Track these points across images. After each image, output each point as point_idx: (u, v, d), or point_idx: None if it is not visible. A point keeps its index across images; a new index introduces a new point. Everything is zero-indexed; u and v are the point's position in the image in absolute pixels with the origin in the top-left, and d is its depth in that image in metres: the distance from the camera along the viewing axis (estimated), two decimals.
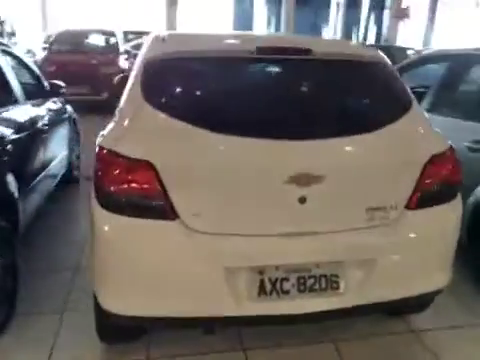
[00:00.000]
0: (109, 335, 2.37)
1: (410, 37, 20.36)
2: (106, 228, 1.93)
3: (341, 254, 2.03)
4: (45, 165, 3.67)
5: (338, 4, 21.49)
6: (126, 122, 2.01)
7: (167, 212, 1.89)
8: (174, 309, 1.94)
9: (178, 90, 2.14)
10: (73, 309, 2.71)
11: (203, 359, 2.35)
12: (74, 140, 4.95)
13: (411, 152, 2.11)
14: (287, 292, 1.98)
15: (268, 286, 1.97)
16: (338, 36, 21.04)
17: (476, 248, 3.01)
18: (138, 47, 4.83)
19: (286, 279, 1.98)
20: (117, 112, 2.21)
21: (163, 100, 2.03)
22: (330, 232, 2.02)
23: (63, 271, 3.13)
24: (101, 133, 2.13)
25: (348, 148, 2.02)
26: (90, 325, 2.32)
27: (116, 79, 3.90)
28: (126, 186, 1.89)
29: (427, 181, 2.10)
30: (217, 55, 2.16)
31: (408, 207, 2.10)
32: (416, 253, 2.12)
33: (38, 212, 3.44)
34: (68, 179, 4.71)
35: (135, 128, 1.97)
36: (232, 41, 2.50)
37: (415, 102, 2.27)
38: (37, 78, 4.25)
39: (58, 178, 4.22)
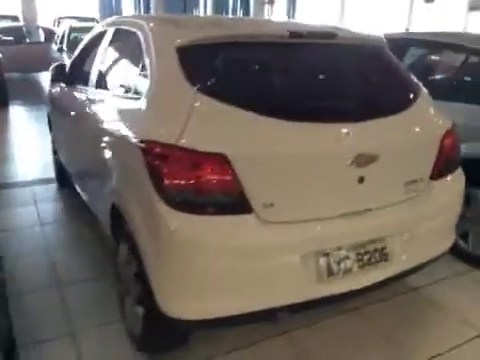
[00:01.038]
0: (155, 346, 2.20)
1: (277, 16, 21.68)
2: (180, 230, 1.78)
3: (388, 228, 2.17)
4: None
5: None
6: (179, 113, 1.85)
7: (243, 206, 1.82)
8: (254, 304, 1.89)
9: (230, 77, 2.02)
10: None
11: (255, 349, 2.34)
12: None
13: (432, 129, 2.32)
14: (350, 270, 2.06)
15: (335, 267, 2.02)
16: None
17: None
18: None
19: (347, 258, 2.06)
20: (145, 104, 2.02)
21: (217, 88, 1.90)
22: (379, 208, 2.14)
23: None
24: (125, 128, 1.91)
25: (391, 127, 2.15)
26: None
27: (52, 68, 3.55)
28: (199, 183, 1.76)
29: (443, 154, 2.33)
30: (253, 40, 2.09)
31: (432, 177, 2.32)
32: (440, 217, 2.37)
33: None
34: None
35: (197, 119, 1.82)
36: (253, 25, 2.44)
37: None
38: None
39: None
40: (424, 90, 2.44)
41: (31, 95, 10.24)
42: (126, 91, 2.39)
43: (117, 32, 2.80)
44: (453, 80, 3.74)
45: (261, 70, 2.10)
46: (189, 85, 1.89)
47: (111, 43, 2.81)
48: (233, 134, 1.81)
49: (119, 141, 2.20)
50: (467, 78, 3.67)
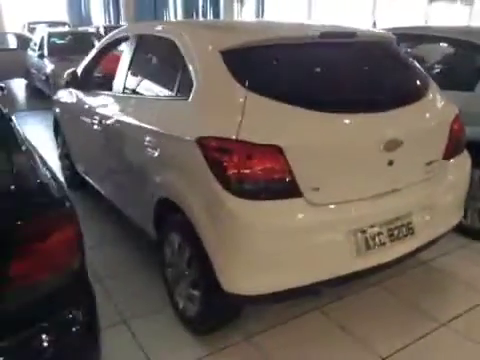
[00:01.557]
0: (209, 325, 2.40)
1: (246, 16, 21.97)
2: (242, 214, 2.00)
3: (413, 205, 2.44)
4: None
5: None
6: (233, 111, 2.06)
7: (295, 190, 2.05)
8: (305, 278, 2.13)
9: (274, 76, 2.23)
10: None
11: (292, 324, 2.57)
12: None
13: (443, 114, 2.61)
14: (384, 244, 2.31)
15: (371, 242, 2.27)
16: (179, 18, 21.25)
17: None
18: None
19: (381, 233, 2.31)
20: (194, 104, 2.22)
21: (264, 86, 2.12)
22: (404, 188, 2.40)
23: None
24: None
25: (412, 115, 2.42)
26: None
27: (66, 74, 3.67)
28: (258, 171, 1.98)
29: (453, 136, 2.62)
30: (290, 42, 2.33)
31: (444, 158, 2.60)
32: (454, 193, 2.67)
33: None
34: None
35: (251, 115, 2.03)
36: (287, 28, 2.67)
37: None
38: None
39: None
40: (432, 80, 2.73)
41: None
42: (167, 94, 2.58)
43: (143, 38, 2.97)
44: (442, 70, 4.07)
45: (299, 68, 2.33)
46: (239, 85, 2.10)
47: (138, 49, 2.97)
48: (284, 127, 2.04)
49: (167, 140, 2.38)
50: (456, 67, 4.01)
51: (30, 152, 1.79)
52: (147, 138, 2.54)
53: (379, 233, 2.31)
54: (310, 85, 2.26)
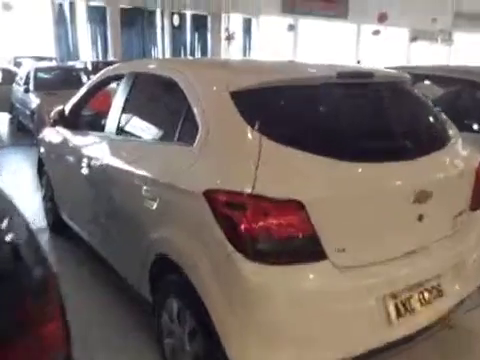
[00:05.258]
0: None
1: (234, 54, 22.36)
2: (257, 280, 1.71)
3: (442, 262, 2.18)
4: None
5: (163, 27, 21.80)
6: (246, 160, 1.80)
7: (319, 252, 1.77)
8: (331, 355, 1.82)
9: (291, 120, 1.98)
10: None
11: None
12: None
13: (468, 161, 2.39)
14: (413, 310, 2.03)
15: (402, 308, 1.99)
16: (167, 55, 21.37)
17: None
18: None
19: (411, 297, 2.04)
20: (200, 151, 1.96)
21: (281, 132, 1.88)
22: (433, 244, 2.15)
23: None
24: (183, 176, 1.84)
25: (440, 162, 2.20)
26: None
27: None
28: (276, 231, 1.71)
29: (478, 184, 2.40)
30: (306, 82, 2.10)
31: (471, 208, 2.37)
32: None
33: None
34: None
35: (266, 165, 1.77)
36: (300, 68, 2.45)
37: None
38: None
39: None
40: (452, 123, 2.53)
41: None
42: (167, 138, 2.32)
43: (140, 77, 2.73)
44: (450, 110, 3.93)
45: (318, 111, 2.10)
46: (252, 130, 1.85)
47: (134, 89, 2.72)
48: (305, 179, 1.78)
49: (167, 190, 2.10)
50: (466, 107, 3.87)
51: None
52: (144, 187, 2.25)
53: (410, 297, 2.03)
54: (331, 130, 2.01)
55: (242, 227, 1.70)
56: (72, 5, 19.16)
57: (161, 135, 2.42)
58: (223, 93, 1.99)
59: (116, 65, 3.21)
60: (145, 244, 2.28)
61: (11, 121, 11.48)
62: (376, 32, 22.20)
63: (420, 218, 2.02)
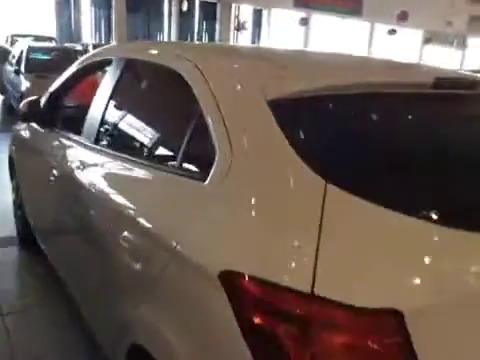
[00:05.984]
0: None
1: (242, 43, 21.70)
2: None
3: None
4: None
5: (170, 14, 20.98)
6: (299, 222, 1.04)
7: None
8: None
9: (373, 156, 1.21)
10: None
11: None
12: None
13: None
14: None
15: None
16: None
17: None
18: None
19: None
20: (219, 193, 1.19)
21: (359, 177, 1.11)
22: None
23: None
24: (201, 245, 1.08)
25: None
26: None
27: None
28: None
29: None
30: (390, 90, 1.32)
31: None
32: None
33: None
34: None
35: (337, 238, 1.01)
36: (379, 69, 1.66)
37: None
38: None
39: None
40: None
41: None
42: (163, 163, 1.54)
43: (133, 65, 1.94)
44: None
45: (416, 140, 1.31)
46: (308, 170, 1.08)
47: (122, 81, 1.93)
48: (404, 269, 1.00)
49: (157, 249, 1.33)
50: None
51: None
52: (123, 233, 1.48)
53: None
54: (442, 174, 1.24)
55: (291, 355, 0.93)
56: None
57: (155, 156, 1.64)
58: (257, 102, 1.22)
59: (105, 47, 2.41)
60: (118, 321, 1.52)
61: (3, 103, 10.70)
62: (392, 31, 21.45)
63: None
